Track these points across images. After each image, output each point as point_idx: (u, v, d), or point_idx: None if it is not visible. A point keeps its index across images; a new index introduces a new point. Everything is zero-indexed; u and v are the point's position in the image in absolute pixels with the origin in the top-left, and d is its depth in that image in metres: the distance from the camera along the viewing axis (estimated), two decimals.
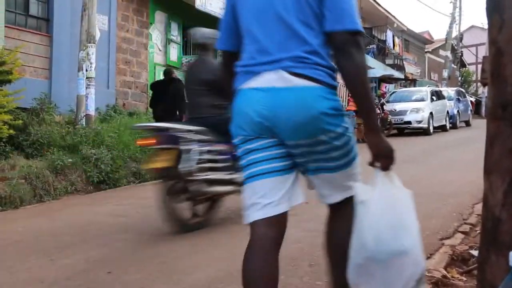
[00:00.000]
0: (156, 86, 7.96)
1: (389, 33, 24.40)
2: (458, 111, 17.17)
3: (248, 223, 1.63)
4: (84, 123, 7.38)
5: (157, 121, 7.42)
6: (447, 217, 3.96)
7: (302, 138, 1.57)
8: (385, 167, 1.62)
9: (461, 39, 29.14)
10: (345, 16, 1.55)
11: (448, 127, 15.42)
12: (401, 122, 13.95)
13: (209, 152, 3.82)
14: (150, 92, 8.77)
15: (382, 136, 1.61)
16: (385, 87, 21.94)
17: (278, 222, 1.61)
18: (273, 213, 1.60)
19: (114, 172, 6.60)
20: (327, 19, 1.56)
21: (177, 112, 7.30)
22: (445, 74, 24.92)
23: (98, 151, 6.59)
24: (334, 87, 1.60)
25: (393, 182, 1.63)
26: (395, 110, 14.00)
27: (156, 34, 11.23)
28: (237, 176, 3.77)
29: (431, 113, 14.00)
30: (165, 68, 8.99)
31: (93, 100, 7.56)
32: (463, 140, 11.52)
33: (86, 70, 7.52)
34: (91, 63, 7.53)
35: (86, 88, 7.52)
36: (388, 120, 13.60)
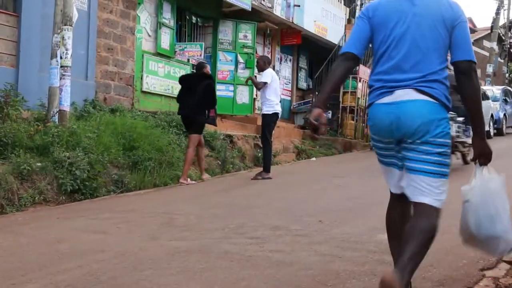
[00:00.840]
0: (185, 80, 8.48)
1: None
2: (504, 114, 17.12)
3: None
4: (56, 120, 7.40)
5: (182, 117, 8.25)
6: None
7: (416, 137, 2.53)
8: (484, 164, 2.66)
9: (510, 28, 29.06)
10: (469, 50, 2.60)
11: (492, 134, 15.36)
12: None
13: (458, 126, 8.61)
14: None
15: (486, 142, 2.62)
16: None
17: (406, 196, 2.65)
18: (399, 192, 2.72)
19: (92, 180, 6.62)
20: (456, 50, 2.58)
21: (205, 109, 8.04)
22: (490, 69, 24.84)
23: (73, 154, 6.61)
24: (446, 106, 2.57)
25: (489, 173, 2.64)
26: None
27: (145, 17, 11.26)
28: (467, 140, 8.44)
29: None
30: (198, 62, 9.57)
31: (68, 93, 7.59)
32: (511, 150, 11.44)
33: (61, 58, 7.55)
34: (66, 50, 7.56)
35: (60, 78, 7.54)
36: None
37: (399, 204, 2.73)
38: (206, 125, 8.52)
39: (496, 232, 2.59)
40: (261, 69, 8.72)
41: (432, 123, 2.51)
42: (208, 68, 8.56)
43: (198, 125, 8.05)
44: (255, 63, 9.27)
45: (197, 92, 7.94)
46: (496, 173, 2.66)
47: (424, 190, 2.52)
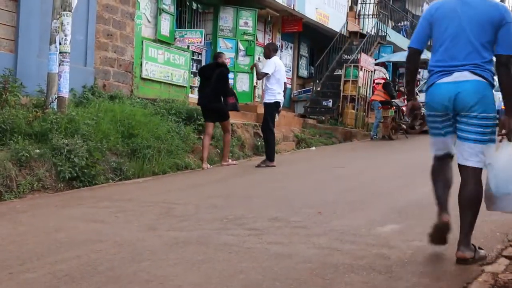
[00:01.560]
0: (202, 71, 8.98)
1: (426, 7, 24.21)
2: None
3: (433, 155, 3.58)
4: (55, 106, 7.38)
5: (202, 107, 8.57)
6: (489, 237, 3.93)
7: (471, 111, 3.29)
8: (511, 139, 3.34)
9: None
10: (510, 46, 3.31)
11: None
12: None
13: None
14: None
15: None
16: (419, 73, 21.83)
17: (449, 156, 3.54)
18: (445, 153, 3.54)
19: (90, 167, 6.62)
20: (500, 46, 3.33)
21: (219, 96, 8.39)
22: (494, 58, 24.78)
23: (72, 141, 6.60)
24: (492, 84, 3.35)
25: None
26: None
27: (145, 2, 11.20)
28: None
29: None
30: (216, 52, 9.98)
31: (67, 80, 7.56)
32: None
33: (60, 44, 7.51)
34: (65, 35, 7.51)
35: (59, 65, 7.50)
36: (422, 113, 13.52)
37: (441, 162, 3.53)
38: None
39: (509, 190, 3.24)
40: (267, 56, 8.76)
41: (483, 99, 3.28)
42: (223, 58, 8.88)
43: (222, 112, 8.39)
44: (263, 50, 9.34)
45: (212, 81, 8.26)
46: None
47: (470, 154, 3.33)
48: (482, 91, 3.30)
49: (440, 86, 3.38)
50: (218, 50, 12.99)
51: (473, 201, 3.33)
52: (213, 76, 8.30)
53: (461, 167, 3.39)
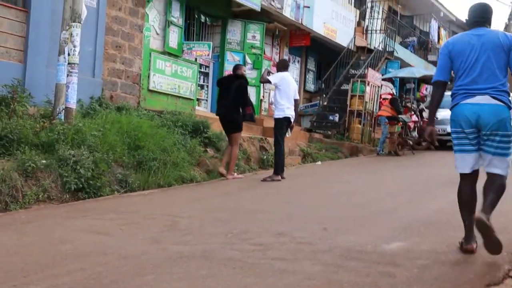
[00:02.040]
0: (221, 82, 9.10)
1: (434, 24, 24.29)
2: None
3: (459, 173, 4.05)
4: (62, 117, 7.42)
5: (219, 117, 8.72)
6: (496, 257, 3.90)
7: (491, 130, 3.83)
8: None
9: None
10: None
11: None
12: (444, 133, 13.82)
13: None
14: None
15: None
16: (426, 89, 21.83)
17: (474, 174, 4.00)
18: (471, 170, 3.99)
19: (96, 179, 6.63)
20: None
21: (239, 107, 8.57)
22: None
23: (78, 152, 6.62)
24: (509, 106, 3.88)
25: None
26: (437, 118, 13.86)
27: (154, 15, 11.28)
28: None
29: None
30: (235, 64, 9.98)
31: (75, 91, 7.60)
32: None
33: (69, 54, 7.57)
34: (74, 46, 7.58)
35: (68, 75, 7.56)
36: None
37: (468, 182, 3.97)
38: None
39: None
40: (277, 71, 9.01)
41: (502, 121, 3.83)
42: (242, 69, 9.06)
43: (236, 124, 8.56)
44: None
45: (231, 92, 8.43)
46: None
47: (496, 165, 3.86)
48: (500, 113, 3.83)
49: (464, 106, 3.91)
50: (227, 63, 13.09)
51: (499, 186, 3.83)
52: (232, 87, 8.47)
53: (490, 174, 3.90)
